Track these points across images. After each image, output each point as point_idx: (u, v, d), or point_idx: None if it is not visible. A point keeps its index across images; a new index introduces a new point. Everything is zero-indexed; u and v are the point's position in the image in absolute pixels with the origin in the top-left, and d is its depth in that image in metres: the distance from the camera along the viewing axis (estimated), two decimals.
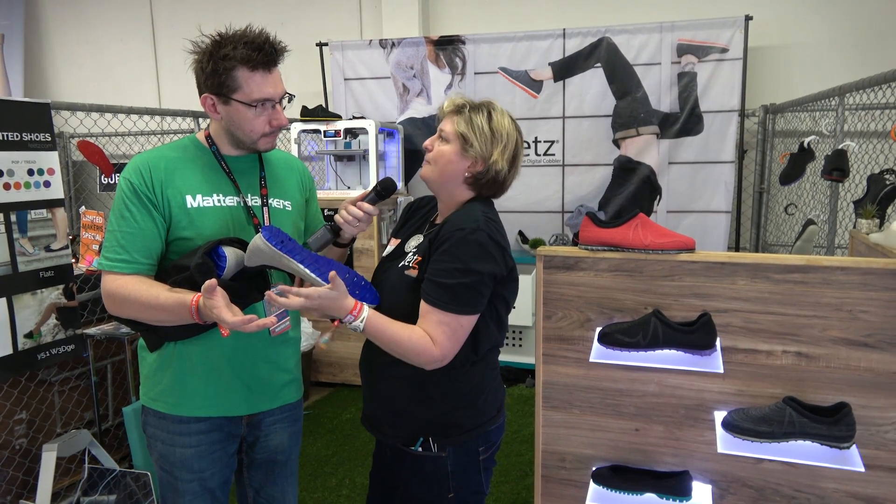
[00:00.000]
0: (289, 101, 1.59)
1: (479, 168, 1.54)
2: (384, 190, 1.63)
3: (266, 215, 1.64)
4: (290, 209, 1.70)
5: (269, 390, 1.68)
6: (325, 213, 1.66)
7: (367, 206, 1.60)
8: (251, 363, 1.63)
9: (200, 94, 1.54)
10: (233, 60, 1.46)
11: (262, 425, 1.72)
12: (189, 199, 1.54)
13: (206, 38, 1.50)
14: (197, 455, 1.62)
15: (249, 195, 1.63)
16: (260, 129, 1.55)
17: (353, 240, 1.72)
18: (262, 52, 1.48)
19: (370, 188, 1.64)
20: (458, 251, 1.45)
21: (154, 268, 1.53)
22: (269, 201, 1.66)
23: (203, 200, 1.56)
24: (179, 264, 1.49)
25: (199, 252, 1.44)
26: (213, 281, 1.31)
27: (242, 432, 1.70)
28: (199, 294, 1.37)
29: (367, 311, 1.44)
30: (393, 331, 1.45)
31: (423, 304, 1.47)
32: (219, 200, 1.58)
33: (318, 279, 1.42)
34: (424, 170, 1.60)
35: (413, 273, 1.52)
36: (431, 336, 1.44)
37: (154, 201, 1.51)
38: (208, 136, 1.63)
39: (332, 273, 1.39)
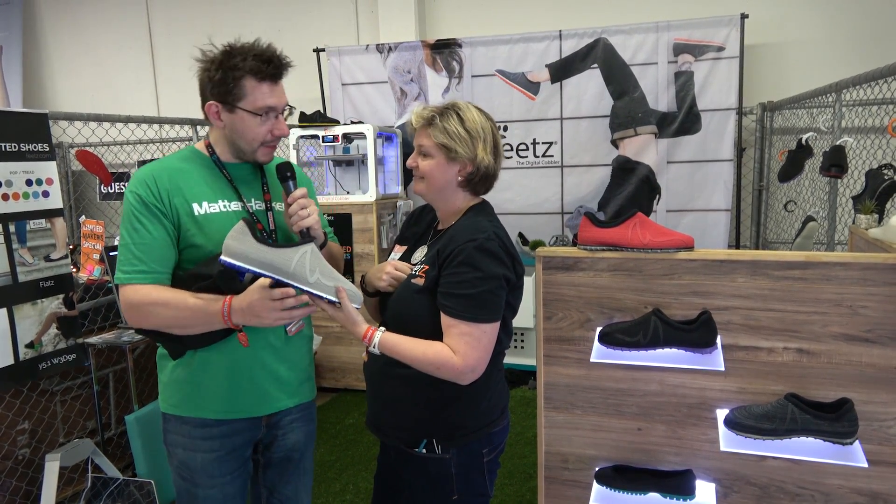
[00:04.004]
0: (289, 113, 1.64)
1: (469, 169, 1.57)
2: (281, 172, 1.63)
3: (271, 219, 1.67)
4: None
5: (287, 388, 1.71)
6: (325, 217, 1.68)
7: (295, 194, 1.59)
8: (269, 362, 1.66)
9: (205, 101, 1.58)
10: (242, 70, 1.52)
11: (281, 424, 1.74)
12: (196, 206, 1.57)
13: (214, 48, 1.55)
14: (218, 460, 1.65)
15: (253, 200, 1.67)
16: (261, 137, 1.59)
17: (326, 236, 1.73)
18: (271, 64, 1.54)
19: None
20: (474, 260, 1.47)
21: (170, 277, 1.56)
22: (273, 206, 1.69)
23: (210, 207, 1.59)
24: (198, 273, 1.52)
25: (219, 259, 1.46)
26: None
27: (261, 434, 1.72)
28: (230, 298, 1.45)
29: (378, 336, 1.49)
30: (407, 348, 1.48)
31: (444, 319, 1.49)
32: (224, 206, 1.61)
33: (277, 279, 1.42)
34: (418, 187, 1.62)
35: (419, 282, 1.54)
36: (453, 348, 1.46)
37: (164, 211, 1.54)
38: (208, 146, 1.66)
39: (342, 295, 1.43)
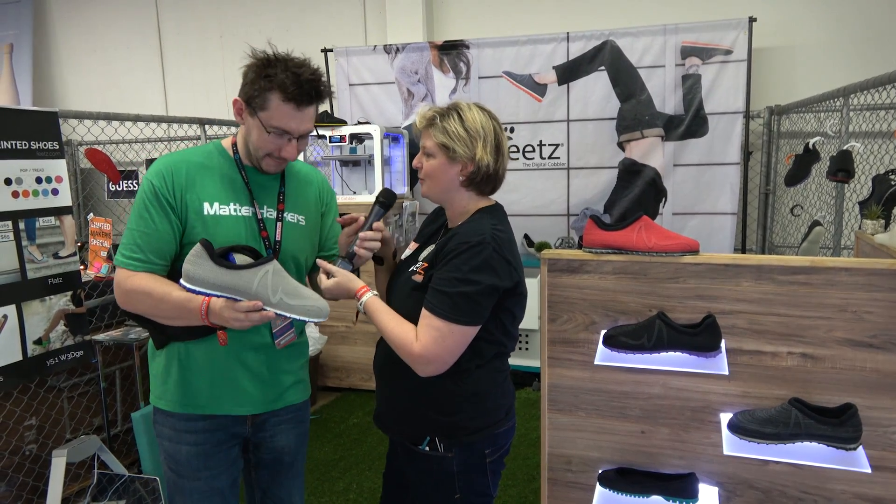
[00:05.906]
0: (307, 143, 1.63)
1: (470, 169, 1.57)
2: (387, 199, 1.65)
3: (279, 229, 1.66)
4: (303, 224, 1.73)
5: (273, 392, 1.70)
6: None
7: (380, 225, 1.62)
8: (252, 363, 1.66)
9: (239, 95, 1.57)
10: (272, 82, 1.49)
11: (267, 426, 1.74)
12: (206, 206, 1.58)
13: (266, 49, 1.54)
14: (202, 453, 1.66)
15: (265, 207, 1.66)
16: (266, 149, 1.58)
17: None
18: (300, 88, 1.50)
19: (371, 208, 1.64)
20: (460, 262, 1.48)
21: (167, 268, 1.59)
22: (284, 215, 1.69)
23: (220, 208, 1.60)
24: None
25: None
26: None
27: (247, 433, 1.72)
28: (209, 297, 1.44)
29: (367, 296, 1.55)
30: (384, 317, 1.53)
31: (422, 310, 1.50)
32: (235, 209, 1.61)
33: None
34: (423, 188, 1.65)
35: (418, 278, 1.56)
36: (418, 336, 1.48)
37: (172, 205, 1.56)
38: (234, 144, 1.66)
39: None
